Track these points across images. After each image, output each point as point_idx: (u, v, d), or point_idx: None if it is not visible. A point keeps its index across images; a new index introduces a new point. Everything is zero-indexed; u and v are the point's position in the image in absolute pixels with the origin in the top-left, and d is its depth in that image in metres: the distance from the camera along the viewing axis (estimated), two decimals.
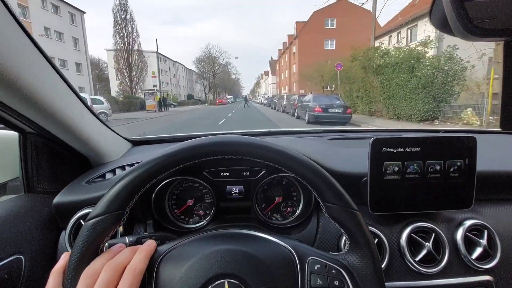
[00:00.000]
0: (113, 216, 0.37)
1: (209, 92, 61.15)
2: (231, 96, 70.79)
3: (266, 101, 36.16)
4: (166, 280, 0.37)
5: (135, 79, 30.99)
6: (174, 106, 34.45)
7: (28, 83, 0.49)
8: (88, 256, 0.36)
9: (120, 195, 0.37)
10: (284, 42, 52.22)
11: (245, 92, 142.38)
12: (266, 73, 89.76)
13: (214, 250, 0.39)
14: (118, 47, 30.40)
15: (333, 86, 18.26)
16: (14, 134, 0.72)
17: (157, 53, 40.10)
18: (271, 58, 76.11)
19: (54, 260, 0.62)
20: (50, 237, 0.63)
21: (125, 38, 30.36)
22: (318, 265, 0.39)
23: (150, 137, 1.07)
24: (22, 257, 0.55)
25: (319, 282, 0.37)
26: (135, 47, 31.13)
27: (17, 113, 0.53)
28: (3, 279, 0.51)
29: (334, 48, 33.33)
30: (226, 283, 0.36)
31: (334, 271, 0.38)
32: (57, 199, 0.64)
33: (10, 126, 0.61)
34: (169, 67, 58.82)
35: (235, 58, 64.52)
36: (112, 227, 0.37)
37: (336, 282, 0.37)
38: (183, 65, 70.12)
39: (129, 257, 0.37)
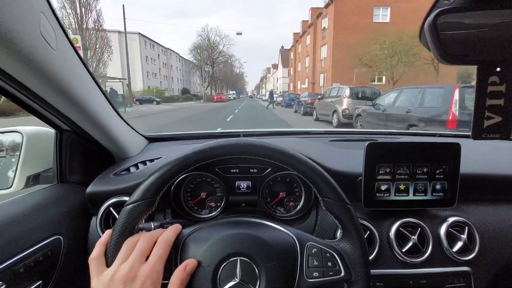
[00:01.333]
0: (147, 202, 0.45)
1: (208, 86, 51.54)
2: (234, 92, 63.03)
3: (282, 98, 24.03)
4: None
5: (90, 61, 21.78)
6: (158, 102, 28.75)
7: (72, 87, 0.57)
8: (127, 233, 0.44)
9: (154, 185, 0.45)
10: (305, 21, 37.62)
11: (250, 88, 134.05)
12: (275, 66, 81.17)
13: (230, 234, 0.46)
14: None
15: (392, 75, 11.92)
16: (46, 130, 0.82)
17: (140, 34, 34.84)
18: (282, 47, 67.37)
19: (86, 241, 0.71)
20: (82, 222, 0.72)
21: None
22: (315, 249, 0.46)
23: (164, 134, 1.16)
24: (61, 237, 0.64)
25: (315, 263, 0.45)
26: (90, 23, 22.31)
27: (59, 112, 0.62)
28: (47, 255, 0.60)
29: (387, 20, 22.49)
30: (238, 260, 0.44)
31: (328, 255, 0.46)
32: (90, 188, 0.73)
33: (50, 123, 0.69)
34: (158, 55, 49.45)
35: (238, 34, 41.11)
36: (146, 211, 0.45)
37: (329, 263, 0.45)
38: (177, 54, 59.71)
39: (160, 232, 0.46)
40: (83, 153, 0.78)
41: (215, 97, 37.68)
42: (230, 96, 52.68)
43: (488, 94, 0.45)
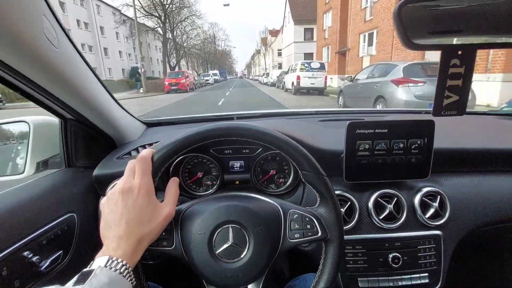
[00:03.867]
0: None
1: (176, 64, 34.01)
2: (215, 72, 39.72)
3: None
4: (188, 228, 0.52)
5: None
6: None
7: (74, 81, 0.63)
8: None
9: (155, 164, 0.52)
10: None
11: (239, 67, 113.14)
12: (274, 32, 54.20)
13: (222, 205, 0.54)
14: None
15: None
16: (50, 119, 0.87)
17: None
18: None
19: (97, 219, 0.79)
20: (91, 201, 0.80)
21: None
22: (296, 215, 0.54)
23: (161, 119, 1.21)
24: (74, 215, 0.72)
25: (296, 226, 0.53)
26: None
27: (63, 103, 0.68)
28: (64, 229, 0.68)
29: None
30: (230, 227, 0.52)
31: (307, 219, 0.53)
32: (96, 171, 0.80)
33: (54, 113, 0.75)
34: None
35: (225, 5, 32.88)
36: None
37: (308, 226, 0.53)
38: (115, 9, 31.55)
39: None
40: (86, 139, 0.84)
41: (167, 83, 18.94)
42: (206, 79, 31.46)
43: (449, 75, 0.51)
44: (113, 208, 0.47)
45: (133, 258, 0.45)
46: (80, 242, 0.72)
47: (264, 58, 52.34)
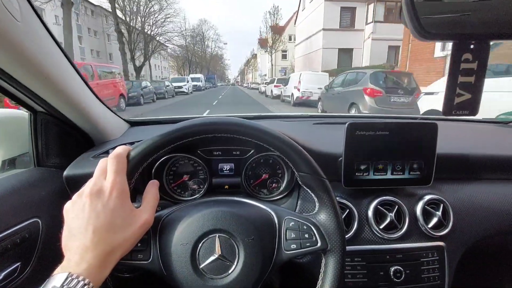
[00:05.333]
0: None
1: (143, 63, 24.11)
2: (198, 76, 30.99)
3: None
4: (168, 237, 0.45)
5: None
6: None
7: (44, 65, 0.55)
8: None
9: (131, 163, 0.45)
10: None
11: (232, 74, 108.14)
12: (277, 29, 36.73)
13: (207, 212, 0.47)
14: None
15: None
16: (22, 113, 0.78)
17: None
18: None
19: None
20: (61, 205, 0.71)
21: None
22: (293, 223, 0.48)
23: (146, 119, 1.13)
24: (39, 220, 0.63)
25: (293, 235, 0.47)
26: None
27: (32, 93, 0.60)
28: (24, 237, 0.59)
29: None
30: (217, 236, 0.45)
31: (305, 227, 0.47)
32: (67, 172, 0.71)
33: (22, 104, 0.67)
34: None
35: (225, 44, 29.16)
36: None
37: (306, 235, 0.47)
38: None
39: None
40: (60, 136, 0.75)
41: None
42: (177, 85, 21.22)
43: (461, 71, 0.46)
44: (78, 214, 0.40)
45: (100, 273, 0.38)
46: (44, 253, 0.63)
47: (272, 56, 35.30)
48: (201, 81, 29.97)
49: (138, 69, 23.19)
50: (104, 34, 30.01)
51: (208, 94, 23.02)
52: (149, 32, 26.22)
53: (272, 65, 37.34)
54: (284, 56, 38.33)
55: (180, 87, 21.51)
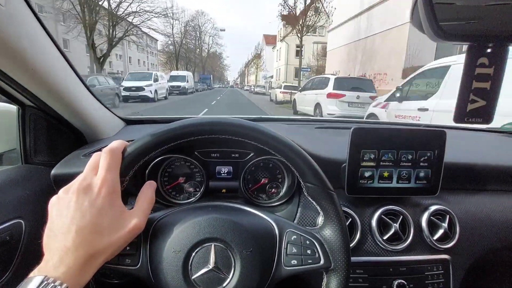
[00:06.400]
0: None
1: (107, 52, 17.36)
2: (184, 75, 22.33)
3: None
4: (159, 243, 0.42)
5: None
6: None
7: (32, 56, 0.51)
8: None
9: (126, 160, 0.41)
10: None
11: (231, 76, 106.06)
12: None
13: (204, 218, 0.43)
14: None
15: None
16: (11, 107, 0.74)
17: None
18: None
19: None
20: (47, 205, 0.67)
21: None
22: (295, 236, 0.44)
23: (143, 117, 1.10)
24: (22, 221, 0.59)
25: (294, 250, 0.43)
26: None
27: (20, 86, 0.56)
28: (5, 240, 0.55)
29: None
30: (212, 246, 0.41)
31: (308, 242, 0.44)
32: (55, 170, 0.67)
33: (11, 98, 0.63)
34: None
35: (221, 30, 25.79)
36: None
37: (308, 251, 0.43)
38: None
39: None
40: (50, 132, 0.72)
41: None
42: (136, 86, 12.38)
43: (475, 76, 0.43)
44: (62, 211, 0.37)
45: (80, 278, 0.34)
46: (26, 257, 0.59)
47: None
48: (187, 81, 21.79)
49: (99, 61, 16.47)
50: (55, 11, 18.61)
51: (189, 103, 14.77)
52: (116, 9, 18.51)
53: (286, 61, 27.36)
54: (297, 53, 27.68)
55: (138, 88, 12.72)
